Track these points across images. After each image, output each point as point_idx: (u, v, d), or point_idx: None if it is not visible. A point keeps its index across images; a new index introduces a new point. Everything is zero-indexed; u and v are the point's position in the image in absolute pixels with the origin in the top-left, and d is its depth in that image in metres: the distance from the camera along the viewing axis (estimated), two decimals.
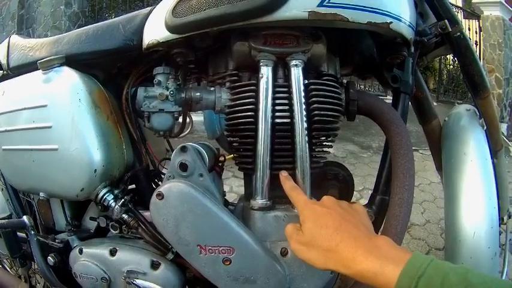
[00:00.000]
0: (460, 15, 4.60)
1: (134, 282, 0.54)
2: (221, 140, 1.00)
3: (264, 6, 0.46)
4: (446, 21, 0.63)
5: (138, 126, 0.63)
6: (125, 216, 0.56)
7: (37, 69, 0.61)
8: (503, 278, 0.73)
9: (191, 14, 0.49)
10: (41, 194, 0.62)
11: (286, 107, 0.51)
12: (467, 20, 4.73)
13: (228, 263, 0.48)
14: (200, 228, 0.48)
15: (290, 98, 0.51)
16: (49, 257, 0.63)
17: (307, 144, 0.51)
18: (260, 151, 0.50)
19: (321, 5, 0.46)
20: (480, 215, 0.61)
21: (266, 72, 0.51)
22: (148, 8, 0.59)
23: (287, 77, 0.52)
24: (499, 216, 0.65)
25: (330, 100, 0.53)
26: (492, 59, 4.59)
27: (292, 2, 0.45)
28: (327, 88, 0.53)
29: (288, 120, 0.51)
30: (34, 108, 0.59)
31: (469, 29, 4.64)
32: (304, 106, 0.51)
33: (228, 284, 0.49)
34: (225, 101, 0.54)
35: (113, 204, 0.56)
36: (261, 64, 0.51)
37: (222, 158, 0.60)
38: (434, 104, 0.78)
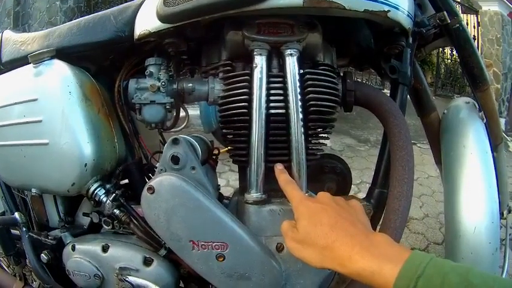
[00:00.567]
0: (458, 10, 4.59)
1: (126, 279, 0.53)
2: (217, 133, 0.98)
3: None
4: (445, 12, 0.62)
5: (131, 120, 0.62)
6: (116, 211, 0.55)
7: (29, 63, 0.60)
8: (504, 273, 0.72)
9: (182, 2, 0.48)
10: (33, 190, 0.60)
11: (281, 97, 0.50)
12: (465, 15, 4.74)
13: (221, 259, 0.47)
14: (192, 223, 0.47)
15: (285, 88, 0.50)
16: (42, 254, 0.62)
17: (302, 136, 0.50)
18: (254, 143, 0.49)
19: None
20: (481, 210, 0.59)
21: (260, 61, 0.49)
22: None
23: (282, 67, 0.51)
24: (500, 210, 0.63)
25: (326, 90, 0.51)
26: (490, 54, 4.60)
27: None
28: (323, 78, 0.51)
29: (283, 111, 0.50)
30: (25, 103, 0.58)
31: (467, 24, 4.66)
32: (299, 96, 0.49)
33: (222, 280, 0.48)
34: (218, 92, 0.53)
35: (104, 199, 0.55)
36: (254, 53, 0.49)
37: (216, 151, 0.59)
38: (432, 97, 0.77)
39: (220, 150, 0.60)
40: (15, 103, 0.59)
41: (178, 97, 0.54)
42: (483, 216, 0.59)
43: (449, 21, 0.62)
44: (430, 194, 1.94)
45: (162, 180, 0.47)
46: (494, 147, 0.72)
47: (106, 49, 0.58)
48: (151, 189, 0.47)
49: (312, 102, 0.50)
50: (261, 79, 0.49)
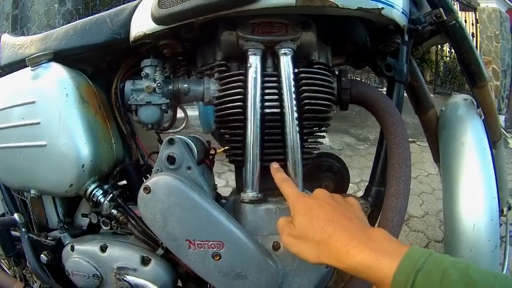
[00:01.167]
0: (456, 7, 4.59)
1: (125, 278, 0.53)
2: (216, 134, 0.98)
3: None
4: (441, 9, 0.62)
5: (128, 121, 0.62)
6: (114, 211, 0.55)
7: (27, 66, 0.60)
8: (504, 270, 0.71)
9: (176, 4, 0.48)
10: (32, 191, 0.61)
11: (276, 97, 0.50)
12: (463, 12, 4.73)
13: (217, 258, 0.47)
14: (188, 222, 0.47)
15: (280, 88, 0.50)
16: (42, 255, 0.63)
17: (298, 135, 0.50)
18: (249, 142, 0.49)
19: None
20: (480, 207, 0.59)
21: (254, 61, 0.50)
22: (136, 1, 0.58)
23: (276, 66, 0.51)
24: (499, 207, 0.63)
25: (321, 89, 0.51)
26: (489, 51, 4.59)
27: None
28: (318, 76, 0.52)
29: (278, 110, 0.50)
30: (23, 105, 0.59)
31: (465, 21, 4.66)
32: (294, 95, 0.49)
33: (219, 279, 0.48)
34: (213, 92, 0.53)
35: (102, 200, 0.55)
36: (249, 53, 0.50)
37: (212, 151, 0.59)
38: (431, 95, 0.77)
39: (217, 150, 0.60)
40: (14, 106, 0.59)
41: (174, 98, 0.55)
42: (482, 214, 0.59)
43: (445, 18, 0.62)
44: (430, 191, 1.94)
45: (158, 180, 0.48)
46: (493, 143, 0.72)
47: (102, 51, 0.59)
48: (148, 189, 0.47)
49: (306, 101, 0.50)
50: (255, 79, 0.49)
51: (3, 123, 0.61)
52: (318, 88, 0.51)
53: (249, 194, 0.50)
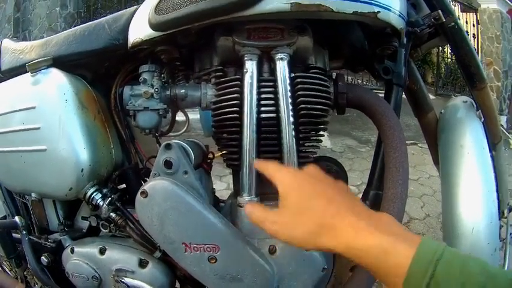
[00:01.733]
0: (457, 8, 4.57)
1: (123, 280, 0.54)
2: (214, 138, 0.99)
3: (245, 0, 0.45)
4: (439, 11, 0.61)
5: (127, 125, 0.63)
6: (113, 214, 0.56)
7: (27, 71, 0.61)
8: None
9: (173, 11, 0.49)
10: (33, 195, 0.62)
11: (272, 102, 0.51)
12: (464, 13, 4.68)
13: (213, 261, 0.48)
14: (184, 226, 0.48)
15: (276, 92, 0.50)
16: (42, 257, 0.64)
17: (294, 139, 0.50)
18: (246, 147, 0.50)
19: None
20: (479, 210, 0.59)
21: (250, 66, 0.50)
22: (134, 7, 0.59)
23: (273, 71, 0.51)
24: (499, 210, 0.62)
25: (317, 93, 0.51)
26: (490, 52, 4.55)
27: None
28: (314, 81, 0.52)
29: (274, 115, 0.50)
30: (23, 110, 0.60)
31: (466, 22, 4.61)
32: (290, 100, 0.50)
33: (215, 282, 0.49)
34: (210, 97, 0.53)
35: (101, 203, 0.56)
36: (245, 58, 0.50)
37: (210, 155, 0.59)
38: (433, 97, 0.77)
39: (215, 155, 0.61)
40: (15, 111, 0.60)
41: (172, 103, 0.55)
42: (481, 217, 0.58)
43: (444, 20, 0.61)
44: (431, 194, 1.93)
45: (155, 185, 0.48)
46: (493, 146, 0.71)
47: (101, 57, 0.60)
48: (145, 193, 0.48)
49: (302, 106, 0.50)
50: (251, 84, 0.50)
51: (4, 127, 0.62)
52: (314, 93, 0.51)
53: (246, 198, 0.50)
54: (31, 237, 0.64)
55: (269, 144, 0.51)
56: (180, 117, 0.65)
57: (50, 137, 0.56)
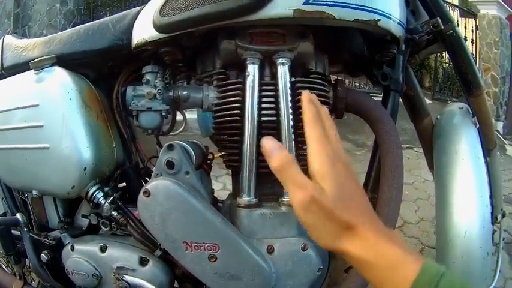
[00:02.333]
0: (456, 14, 4.60)
1: (123, 278, 0.55)
2: (214, 139, 1.00)
3: (249, 5, 0.46)
4: (438, 18, 0.63)
5: (129, 125, 0.64)
6: (114, 213, 0.57)
7: (30, 69, 0.62)
8: (496, 276, 0.72)
9: (178, 13, 0.49)
10: (34, 192, 0.62)
11: (273, 105, 0.52)
12: (463, 19, 4.72)
13: (213, 259, 0.49)
14: (185, 225, 0.49)
15: (276, 96, 0.51)
16: (42, 254, 0.64)
17: (293, 142, 0.51)
18: (246, 149, 0.51)
19: (306, 2, 0.46)
20: (471, 214, 0.60)
21: (252, 70, 0.51)
22: (138, 8, 0.60)
23: (274, 75, 0.52)
24: (492, 215, 0.64)
25: (317, 98, 0.52)
26: (488, 57, 4.59)
27: (277, 0, 0.46)
28: (314, 86, 0.53)
29: (274, 119, 0.52)
30: (26, 108, 0.60)
31: (465, 28, 4.64)
32: (290, 104, 0.51)
33: (214, 280, 0.50)
34: (212, 99, 0.54)
35: (103, 202, 0.57)
36: (247, 62, 0.51)
37: (210, 156, 0.60)
38: (430, 102, 0.79)
39: (215, 155, 0.62)
40: (17, 108, 0.61)
41: (174, 104, 0.56)
42: (474, 221, 0.60)
43: (443, 28, 0.63)
44: (426, 198, 1.94)
45: (158, 184, 0.49)
46: (487, 152, 0.73)
47: (105, 57, 0.60)
48: (147, 193, 0.49)
49: (302, 110, 0.51)
50: (253, 87, 0.51)
51: (7, 124, 0.62)
52: None
53: (245, 198, 0.52)
54: (31, 234, 0.65)
55: None
56: (177, 116, 0.66)
57: (53, 135, 0.56)
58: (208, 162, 0.60)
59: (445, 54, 5.12)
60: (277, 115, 0.51)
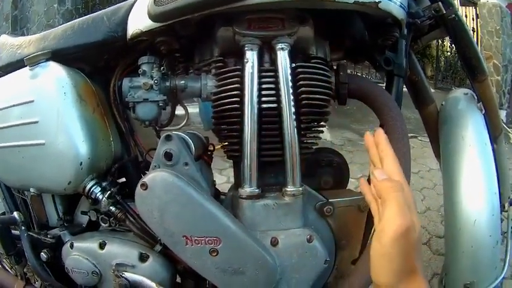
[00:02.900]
0: (456, 2, 4.56)
1: (123, 275, 0.53)
2: (214, 130, 0.98)
3: None
4: (440, 3, 0.61)
5: (127, 118, 0.62)
6: (112, 208, 0.55)
7: (25, 66, 0.61)
8: (506, 266, 0.70)
9: (172, 1, 0.48)
10: (32, 190, 0.61)
11: (273, 92, 0.50)
12: (464, 7, 4.69)
13: (215, 254, 0.47)
14: (185, 218, 0.47)
15: (277, 83, 0.50)
16: (42, 253, 0.63)
17: (295, 130, 0.50)
18: (247, 138, 0.49)
19: None
20: (480, 202, 0.58)
21: (251, 56, 0.49)
22: (133, 0, 0.59)
23: (273, 61, 0.51)
24: (500, 203, 0.62)
25: (319, 83, 0.51)
26: (490, 46, 4.55)
27: None
28: (315, 71, 0.51)
29: (275, 105, 0.50)
30: (22, 105, 0.59)
31: (466, 16, 4.63)
32: (291, 90, 0.49)
33: (216, 275, 0.48)
34: (210, 88, 0.53)
35: (100, 197, 0.55)
36: (245, 49, 0.50)
37: (211, 147, 0.59)
38: (432, 91, 0.76)
39: (216, 147, 0.60)
40: (13, 105, 0.60)
41: (171, 94, 0.55)
42: (483, 209, 0.58)
43: (444, 12, 0.61)
44: (432, 187, 1.92)
45: (155, 177, 0.47)
46: (494, 138, 0.71)
47: (100, 50, 0.59)
48: (145, 186, 0.47)
49: (304, 96, 0.50)
50: (252, 74, 0.49)
51: (2, 123, 0.61)
52: (315, 83, 0.51)
53: (247, 189, 0.50)
54: (30, 233, 0.64)
55: (270, 135, 0.51)
56: (179, 111, 0.64)
57: (48, 131, 0.55)
58: (209, 153, 0.58)
59: (447, 43, 5.09)
60: (278, 102, 0.50)
